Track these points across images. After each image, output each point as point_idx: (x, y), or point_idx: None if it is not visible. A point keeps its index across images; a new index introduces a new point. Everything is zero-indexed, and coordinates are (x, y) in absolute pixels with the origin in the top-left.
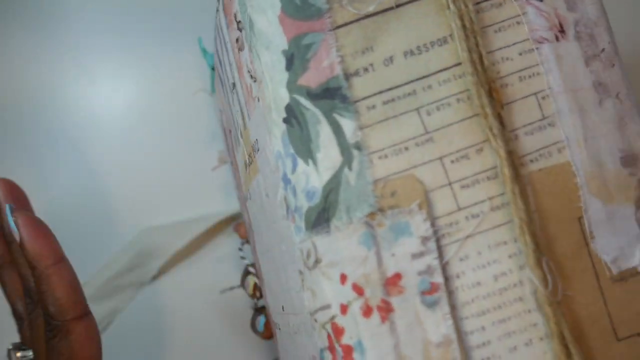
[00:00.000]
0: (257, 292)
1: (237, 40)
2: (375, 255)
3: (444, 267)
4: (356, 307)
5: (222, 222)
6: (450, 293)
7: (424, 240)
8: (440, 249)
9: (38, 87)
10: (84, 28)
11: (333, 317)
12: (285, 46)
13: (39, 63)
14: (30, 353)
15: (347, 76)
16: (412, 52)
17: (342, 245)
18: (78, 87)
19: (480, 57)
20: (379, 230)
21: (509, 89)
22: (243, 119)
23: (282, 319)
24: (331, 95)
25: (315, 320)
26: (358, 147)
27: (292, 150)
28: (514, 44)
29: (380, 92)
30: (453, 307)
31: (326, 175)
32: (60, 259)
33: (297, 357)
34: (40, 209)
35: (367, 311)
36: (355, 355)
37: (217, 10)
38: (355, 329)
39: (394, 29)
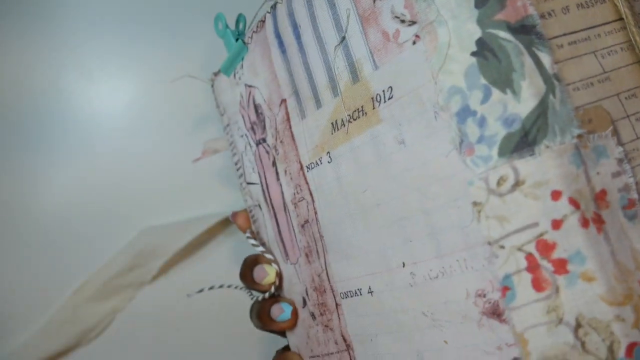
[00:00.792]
0: (277, 279)
1: None
2: (584, 173)
3: (637, 186)
4: (574, 220)
5: (222, 222)
6: None
7: (619, 161)
8: (632, 170)
9: (38, 87)
10: (84, 28)
11: (541, 234)
12: None
13: (39, 63)
14: None
15: (543, 16)
16: (582, 5)
17: (554, 164)
18: (78, 87)
19: (635, 15)
20: (585, 151)
21: None
22: (355, 73)
23: (384, 279)
24: (528, 31)
25: (502, 247)
26: (557, 78)
27: (483, 81)
28: None
29: (565, 34)
30: None
31: (532, 102)
32: None
33: (429, 305)
34: (40, 208)
35: (584, 223)
36: (570, 266)
37: None
38: (572, 241)
39: None
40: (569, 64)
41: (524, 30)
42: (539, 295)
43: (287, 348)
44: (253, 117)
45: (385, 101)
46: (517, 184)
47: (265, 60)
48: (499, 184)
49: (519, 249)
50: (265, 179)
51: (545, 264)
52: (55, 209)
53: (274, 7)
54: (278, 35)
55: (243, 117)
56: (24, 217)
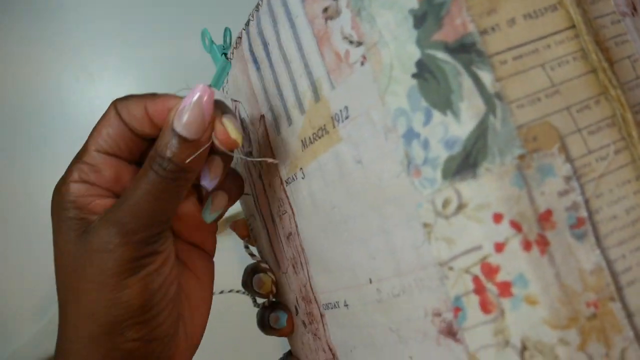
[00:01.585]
0: (273, 287)
1: (325, 9)
2: (527, 194)
3: (586, 203)
4: (515, 243)
5: (222, 222)
6: (593, 226)
7: (567, 179)
8: (581, 187)
9: (38, 86)
10: (84, 28)
11: (484, 257)
12: (415, 5)
13: (39, 63)
14: None
15: (483, 33)
16: (530, 16)
17: (494, 187)
18: (78, 86)
19: (589, 21)
20: (528, 172)
21: (609, 52)
22: (315, 92)
23: (355, 293)
24: (467, 50)
25: (451, 268)
26: (499, 96)
27: (424, 104)
28: (606, 14)
29: (509, 49)
30: (597, 239)
31: (471, 123)
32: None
33: (394, 322)
34: (40, 208)
35: (526, 246)
36: (514, 289)
37: None
38: (515, 264)
39: None
40: (514, 80)
41: (462, 49)
42: (487, 317)
43: (291, 352)
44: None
45: (342, 121)
46: (461, 206)
47: (244, 76)
48: (444, 206)
49: (466, 271)
50: (255, 190)
51: (490, 287)
52: None
53: (247, 24)
54: (252, 52)
55: None
56: (23, 217)
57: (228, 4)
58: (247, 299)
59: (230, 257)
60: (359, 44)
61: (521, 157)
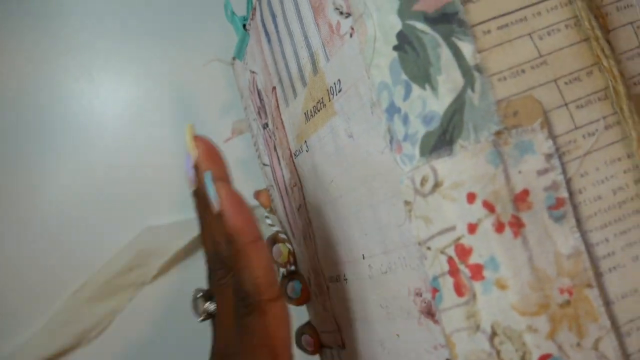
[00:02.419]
0: (291, 257)
1: None
2: (502, 172)
3: (568, 183)
4: (487, 224)
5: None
6: (574, 207)
7: (548, 157)
8: (563, 166)
9: (38, 86)
10: (84, 28)
11: (458, 239)
12: None
13: (39, 63)
14: (213, 307)
15: (463, 1)
16: None
17: (469, 164)
18: (78, 87)
19: None
20: (505, 149)
21: (609, 17)
22: (314, 64)
23: (353, 267)
24: (448, 20)
25: (428, 248)
26: (479, 69)
27: (404, 77)
28: None
29: (495, 18)
30: (578, 221)
31: (448, 98)
32: (259, 238)
33: (383, 298)
34: (40, 208)
35: (499, 227)
36: (486, 272)
37: None
38: (487, 246)
39: None
40: (497, 50)
41: (443, 19)
42: (460, 300)
43: (309, 322)
44: (258, 103)
45: (336, 94)
46: (437, 185)
47: (258, 47)
48: (421, 184)
49: (442, 252)
50: (272, 162)
51: (463, 269)
52: (54, 209)
53: None
54: (263, 24)
55: (252, 101)
56: (23, 217)
57: None
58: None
59: None
60: (348, 15)
61: (498, 133)
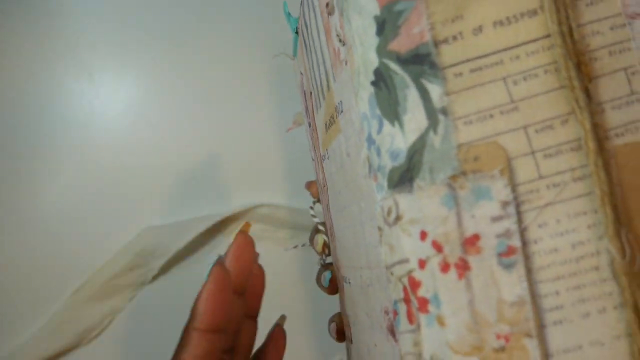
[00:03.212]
0: (326, 249)
1: (327, 4)
2: (455, 215)
3: (522, 232)
4: (434, 262)
5: (222, 222)
6: (527, 257)
7: (504, 204)
8: (519, 215)
9: (38, 86)
10: (84, 28)
11: (410, 271)
12: (378, 12)
13: (39, 63)
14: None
15: (437, 43)
16: (501, 23)
17: (424, 204)
18: (78, 87)
19: (570, 29)
20: (461, 192)
21: (598, 62)
22: (327, 81)
23: (353, 273)
24: (420, 61)
25: (392, 274)
26: (444, 112)
27: (378, 112)
28: (605, 18)
29: (468, 60)
30: (529, 270)
31: (411, 137)
32: (214, 331)
33: (368, 308)
34: (40, 208)
35: (444, 267)
36: (430, 307)
37: None
38: (432, 283)
39: None
40: (467, 94)
41: (415, 60)
42: (410, 327)
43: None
44: (304, 102)
45: (340, 113)
46: (398, 218)
47: (301, 51)
48: (388, 214)
49: (399, 280)
50: (315, 158)
51: (413, 300)
52: (54, 209)
53: (301, 3)
54: (302, 32)
55: (301, 99)
56: (23, 217)
57: None
58: None
59: None
60: (344, 43)
61: (454, 177)
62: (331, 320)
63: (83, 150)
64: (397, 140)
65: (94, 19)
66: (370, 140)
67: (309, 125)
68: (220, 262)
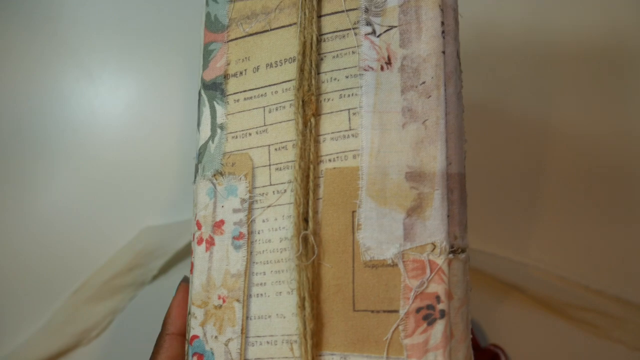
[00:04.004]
0: None
1: None
2: (213, 204)
3: (250, 223)
4: (196, 237)
5: None
6: (250, 242)
7: (242, 201)
8: (250, 210)
9: (38, 86)
10: (84, 28)
11: (191, 242)
12: (202, 48)
13: (39, 63)
14: None
15: (227, 76)
16: (272, 65)
17: (198, 192)
18: (78, 87)
19: (310, 74)
20: (219, 188)
21: (330, 102)
22: None
23: None
24: (215, 88)
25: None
26: (222, 127)
27: (197, 120)
28: (344, 68)
29: (244, 91)
30: (250, 253)
31: (201, 142)
32: (182, 335)
33: None
34: (40, 208)
35: (199, 241)
36: (191, 268)
37: None
38: (194, 252)
39: (265, 46)
40: (239, 115)
41: (213, 87)
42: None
43: None
44: None
45: None
46: (194, 203)
47: None
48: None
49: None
50: None
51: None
52: (54, 209)
53: None
54: None
55: None
56: (23, 216)
57: None
58: None
59: None
60: None
61: (215, 175)
62: None
63: (83, 150)
64: (198, 143)
65: (94, 19)
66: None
67: None
68: (185, 279)
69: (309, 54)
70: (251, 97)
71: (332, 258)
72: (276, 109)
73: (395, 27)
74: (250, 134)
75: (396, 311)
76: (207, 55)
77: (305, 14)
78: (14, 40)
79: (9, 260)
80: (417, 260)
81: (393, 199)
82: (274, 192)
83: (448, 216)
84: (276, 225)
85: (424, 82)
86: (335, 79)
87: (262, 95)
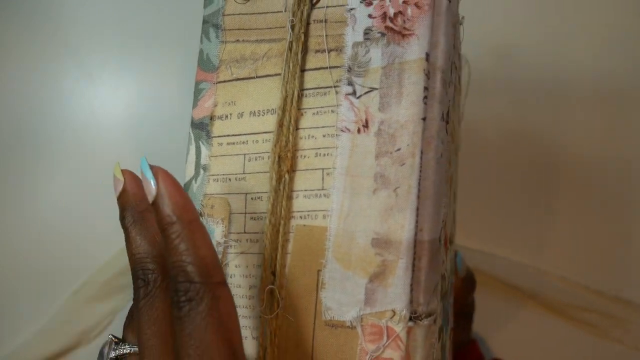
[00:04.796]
0: None
1: None
2: None
3: (224, 266)
4: None
5: None
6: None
7: (218, 244)
8: (225, 254)
9: (38, 86)
10: (84, 28)
11: None
12: (194, 86)
13: (39, 63)
14: (126, 349)
15: (213, 118)
16: (255, 113)
17: None
18: (78, 88)
19: (289, 130)
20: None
21: (305, 160)
22: None
23: None
24: (202, 128)
25: None
26: (205, 168)
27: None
28: (322, 126)
29: (228, 136)
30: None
31: (186, 179)
32: (199, 217)
33: None
34: (40, 208)
35: None
36: None
37: None
38: None
39: (251, 92)
40: (221, 159)
41: (200, 126)
42: None
43: None
44: None
45: None
46: None
47: None
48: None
49: None
50: None
51: None
52: (55, 209)
53: None
54: None
55: None
56: (23, 216)
57: None
58: None
59: None
60: None
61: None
62: None
63: (83, 149)
64: (184, 179)
65: (94, 19)
66: None
67: None
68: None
69: (289, 109)
70: (234, 143)
71: (295, 313)
72: (255, 159)
73: (376, 89)
74: (230, 179)
75: None
76: (197, 93)
77: (289, 67)
78: (14, 40)
79: (9, 260)
80: (375, 325)
81: (358, 263)
82: (247, 240)
83: (411, 285)
84: (247, 273)
85: (399, 149)
86: (312, 136)
87: (243, 142)
